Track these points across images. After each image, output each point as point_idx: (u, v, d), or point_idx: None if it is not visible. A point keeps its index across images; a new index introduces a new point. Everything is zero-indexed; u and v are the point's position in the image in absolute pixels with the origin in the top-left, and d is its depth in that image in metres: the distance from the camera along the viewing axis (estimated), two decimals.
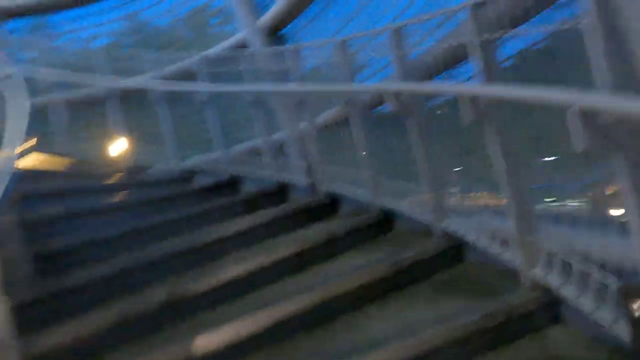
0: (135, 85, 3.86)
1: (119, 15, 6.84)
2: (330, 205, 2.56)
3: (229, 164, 3.39)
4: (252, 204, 2.75)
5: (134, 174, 3.70)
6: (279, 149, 3.20)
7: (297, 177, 2.87)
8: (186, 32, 6.90)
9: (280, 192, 2.98)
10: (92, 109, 4.04)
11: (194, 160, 3.72)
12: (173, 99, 3.73)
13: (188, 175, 3.59)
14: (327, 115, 2.77)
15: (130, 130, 3.90)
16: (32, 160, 3.37)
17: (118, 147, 3.85)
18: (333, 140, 2.74)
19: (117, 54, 4.71)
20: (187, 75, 3.77)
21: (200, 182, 3.50)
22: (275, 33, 4.55)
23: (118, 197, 2.93)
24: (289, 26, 4.64)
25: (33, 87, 4.23)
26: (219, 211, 2.61)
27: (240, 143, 3.72)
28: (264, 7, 4.69)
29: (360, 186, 2.36)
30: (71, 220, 2.37)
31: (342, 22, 4.72)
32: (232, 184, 3.30)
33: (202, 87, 3.39)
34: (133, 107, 3.92)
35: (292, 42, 4.44)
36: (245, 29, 4.67)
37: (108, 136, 3.93)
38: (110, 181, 3.38)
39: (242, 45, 4.47)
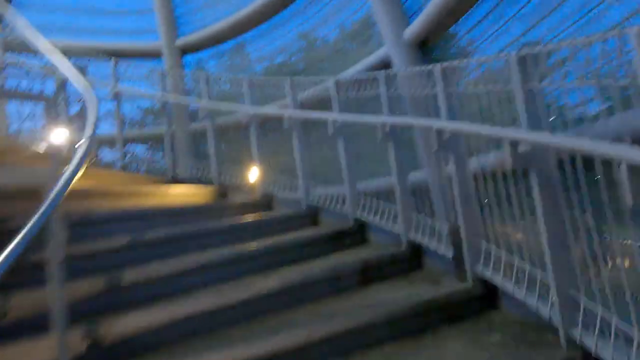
0: (264, 112, 3.71)
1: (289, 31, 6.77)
2: (483, 300, 1.72)
3: (354, 206, 2.84)
4: (373, 272, 2.12)
5: (262, 206, 3.53)
6: (417, 196, 2.48)
7: (434, 243, 2.11)
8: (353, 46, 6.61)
9: (412, 258, 2.26)
10: (238, 135, 4.13)
11: (321, 194, 3.32)
12: (306, 126, 3.43)
13: (314, 212, 3.20)
14: (490, 160, 1.92)
15: (265, 157, 3.78)
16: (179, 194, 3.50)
17: (252, 174, 3.77)
18: (494, 196, 1.87)
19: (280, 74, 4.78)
20: (325, 100, 3.40)
21: (326, 222, 3.08)
22: (426, 46, 3.75)
23: (244, 241, 2.64)
24: (442, 37, 3.78)
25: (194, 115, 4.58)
26: (334, 280, 2.08)
27: (371, 180, 3.15)
28: (414, 14, 3.85)
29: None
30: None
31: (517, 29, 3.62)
32: (357, 232, 2.75)
33: (327, 115, 2.94)
34: (271, 134, 3.81)
35: (448, 56, 3.65)
36: (389, 43, 3.99)
37: (245, 162, 3.91)
38: (239, 214, 3.24)
39: (386, 63, 3.86)
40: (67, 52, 4.65)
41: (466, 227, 1.88)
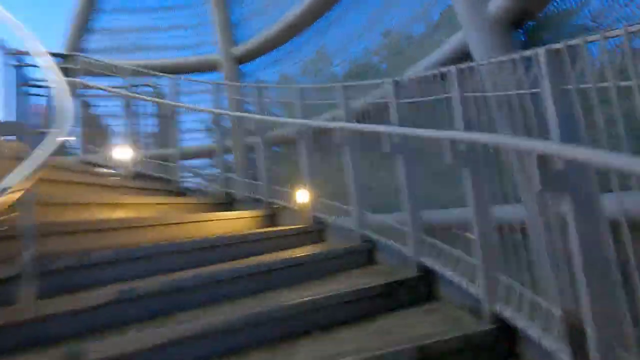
0: (310, 124, 3.17)
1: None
2: None
3: (417, 247, 2.14)
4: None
5: (311, 235, 3.00)
6: (507, 242, 1.69)
7: (537, 329, 1.34)
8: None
9: (499, 340, 1.50)
10: (287, 149, 3.67)
11: (378, 222, 2.67)
12: (362, 141, 2.81)
13: (369, 248, 2.58)
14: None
15: (317, 175, 3.26)
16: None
17: (302, 195, 3.27)
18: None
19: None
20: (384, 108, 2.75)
21: (382, 263, 2.44)
22: (520, 26, 2.66)
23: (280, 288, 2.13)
24: (546, 13, 2.55)
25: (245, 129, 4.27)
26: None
27: (443, 210, 2.40)
28: None
29: None
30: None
31: None
32: (420, 282, 2.05)
33: (381, 128, 2.30)
34: (322, 148, 3.28)
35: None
36: (466, 25, 2.88)
37: (297, 180, 3.43)
38: (284, 248, 2.76)
39: (464, 53, 2.96)
40: (135, 72, 4.78)
41: (596, 321, 1.09)
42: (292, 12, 4.38)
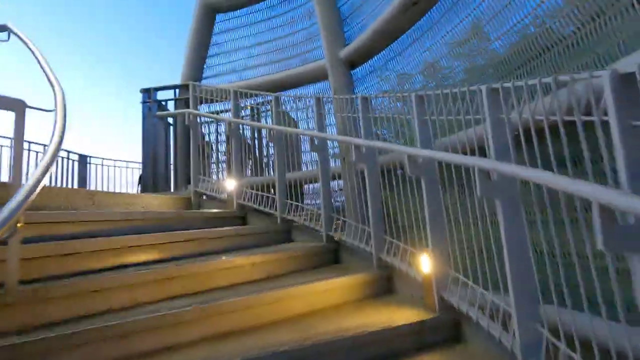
0: (427, 155, 1.98)
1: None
2: None
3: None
4: None
5: (441, 328, 1.87)
6: None
7: None
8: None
9: None
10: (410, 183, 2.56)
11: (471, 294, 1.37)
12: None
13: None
14: None
15: (439, 230, 2.08)
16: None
17: (424, 261, 2.14)
18: None
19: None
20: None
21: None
22: None
23: None
24: None
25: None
26: None
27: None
28: None
29: None
30: None
31: None
32: None
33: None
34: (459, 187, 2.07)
35: None
36: None
37: (416, 229, 2.31)
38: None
39: None
40: (239, 94, 4.41)
41: None
42: None
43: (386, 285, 2.49)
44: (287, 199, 3.49)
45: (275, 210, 3.49)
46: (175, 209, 3.65)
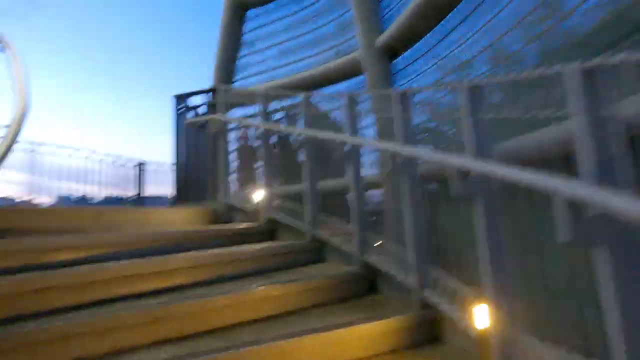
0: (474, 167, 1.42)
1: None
2: None
3: None
4: None
5: None
6: None
7: None
8: None
9: None
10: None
11: None
12: None
13: None
14: None
15: (499, 266, 1.51)
16: None
17: (480, 312, 1.58)
18: None
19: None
20: None
21: None
22: None
23: None
24: None
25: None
26: None
27: None
28: None
29: None
30: None
31: None
32: None
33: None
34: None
35: None
36: None
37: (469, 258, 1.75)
38: None
39: None
40: (270, 96, 4.06)
41: None
42: None
43: (431, 332, 1.94)
44: (321, 213, 3.05)
45: (309, 224, 3.06)
46: (195, 225, 3.36)
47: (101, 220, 2.62)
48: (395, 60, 3.65)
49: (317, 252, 2.98)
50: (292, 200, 3.30)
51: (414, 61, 3.46)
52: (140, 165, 8.39)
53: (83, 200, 7.26)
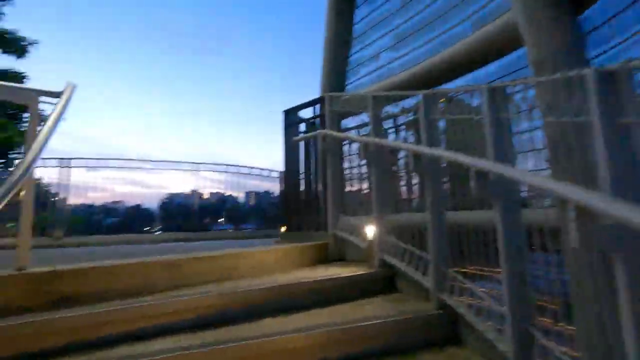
0: None
1: None
2: None
3: None
4: None
5: None
6: None
7: None
8: None
9: None
10: None
11: None
12: None
13: None
14: None
15: None
16: None
17: None
18: None
19: None
20: None
21: None
22: None
23: None
24: None
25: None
26: None
27: None
28: None
29: None
30: None
31: None
32: None
33: None
34: None
35: None
36: None
37: None
38: None
39: None
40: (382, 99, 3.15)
41: None
42: None
43: None
44: (456, 257, 2.07)
45: (434, 281, 2.12)
46: (296, 271, 2.75)
47: (176, 274, 2.25)
48: (583, 14, 2.27)
49: (450, 328, 2.00)
50: (417, 236, 2.38)
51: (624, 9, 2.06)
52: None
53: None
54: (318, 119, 4.15)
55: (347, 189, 3.45)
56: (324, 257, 3.19)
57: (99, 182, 7.42)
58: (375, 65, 3.46)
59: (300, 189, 4.01)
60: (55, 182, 7.07)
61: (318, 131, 3.59)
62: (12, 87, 2.32)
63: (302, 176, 4.10)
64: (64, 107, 2.09)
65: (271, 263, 2.75)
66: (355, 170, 3.46)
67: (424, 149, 2.22)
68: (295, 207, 4.02)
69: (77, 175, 7.15)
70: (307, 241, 3.39)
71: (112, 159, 7.71)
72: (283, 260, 2.85)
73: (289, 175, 4.18)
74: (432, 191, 2.21)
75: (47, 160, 6.91)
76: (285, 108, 4.33)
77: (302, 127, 4.27)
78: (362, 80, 3.63)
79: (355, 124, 3.72)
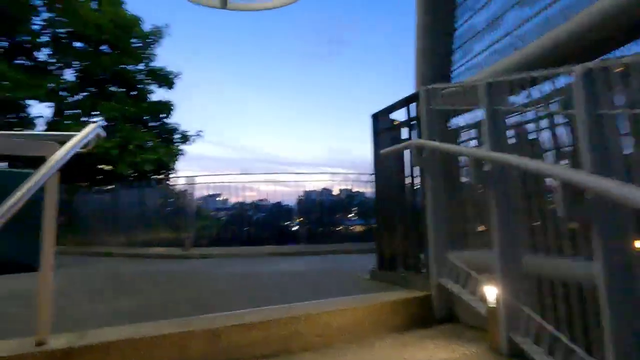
0: None
1: None
2: None
3: None
4: None
5: None
6: None
7: None
8: None
9: None
10: None
11: None
12: None
13: None
14: None
15: None
16: None
17: None
18: None
19: None
20: None
21: None
22: None
23: None
24: None
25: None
26: None
27: None
28: None
29: None
30: None
31: None
32: None
33: None
34: None
35: None
36: None
37: None
38: None
39: None
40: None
41: None
42: None
43: None
44: None
45: None
46: (380, 339, 1.94)
47: (216, 347, 1.71)
48: None
49: None
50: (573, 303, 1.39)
51: None
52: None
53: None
54: (415, 122, 3.23)
55: (461, 212, 2.49)
56: (426, 316, 2.31)
57: (249, 185, 8.41)
58: (495, 37, 2.36)
59: (395, 212, 3.16)
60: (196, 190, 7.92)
61: (408, 142, 2.71)
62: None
63: (392, 196, 3.24)
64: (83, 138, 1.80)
65: (349, 326, 2.02)
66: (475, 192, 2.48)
67: (551, 167, 1.22)
68: (388, 238, 3.19)
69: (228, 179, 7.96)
70: (402, 286, 2.56)
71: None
72: (366, 323, 2.08)
73: (381, 195, 3.36)
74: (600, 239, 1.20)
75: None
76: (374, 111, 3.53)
77: (404, 132, 3.39)
78: (475, 61, 2.59)
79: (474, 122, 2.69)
